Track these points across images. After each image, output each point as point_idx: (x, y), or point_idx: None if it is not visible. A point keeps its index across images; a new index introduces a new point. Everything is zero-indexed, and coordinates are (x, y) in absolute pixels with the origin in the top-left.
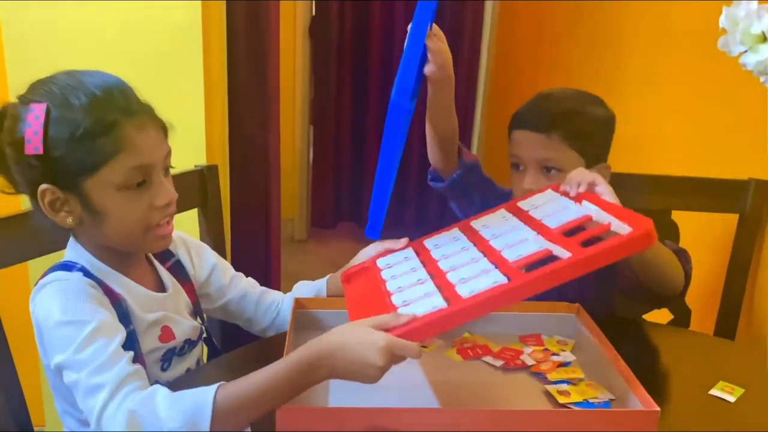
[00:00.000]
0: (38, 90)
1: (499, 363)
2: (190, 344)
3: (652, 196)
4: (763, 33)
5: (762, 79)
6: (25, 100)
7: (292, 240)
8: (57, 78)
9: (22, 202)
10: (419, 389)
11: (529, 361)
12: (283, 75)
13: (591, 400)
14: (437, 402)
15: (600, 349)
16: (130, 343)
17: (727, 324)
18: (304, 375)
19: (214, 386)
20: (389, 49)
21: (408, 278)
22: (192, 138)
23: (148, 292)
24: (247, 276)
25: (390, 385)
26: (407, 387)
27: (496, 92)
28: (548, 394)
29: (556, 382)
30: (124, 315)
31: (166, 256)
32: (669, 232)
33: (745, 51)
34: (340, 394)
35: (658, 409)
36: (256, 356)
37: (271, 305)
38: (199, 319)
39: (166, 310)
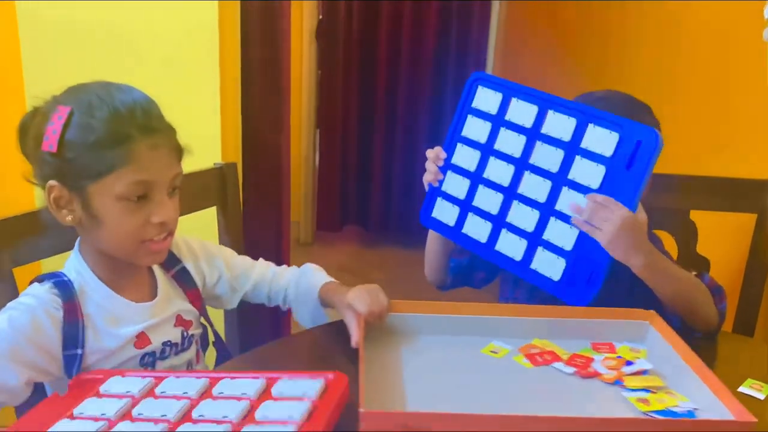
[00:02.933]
0: (71, 94)
1: (570, 370)
2: (172, 347)
3: (671, 196)
4: None
5: None
6: (56, 100)
7: (298, 243)
8: (91, 87)
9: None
10: (494, 395)
11: (602, 369)
12: (291, 79)
13: (673, 409)
14: (514, 408)
15: (677, 357)
16: (71, 365)
17: (745, 322)
18: None
19: None
20: (396, 51)
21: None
22: (207, 139)
23: (130, 303)
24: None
25: (464, 389)
26: (481, 392)
27: (508, 74)
28: (627, 403)
29: (634, 390)
30: (72, 337)
31: (171, 263)
32: (687, 231)
33: None
34: (418, 401)
35: (755, 419)
36: (272, 356)
37: (280, 290)
38: (203, 319)
39: (150, 318)
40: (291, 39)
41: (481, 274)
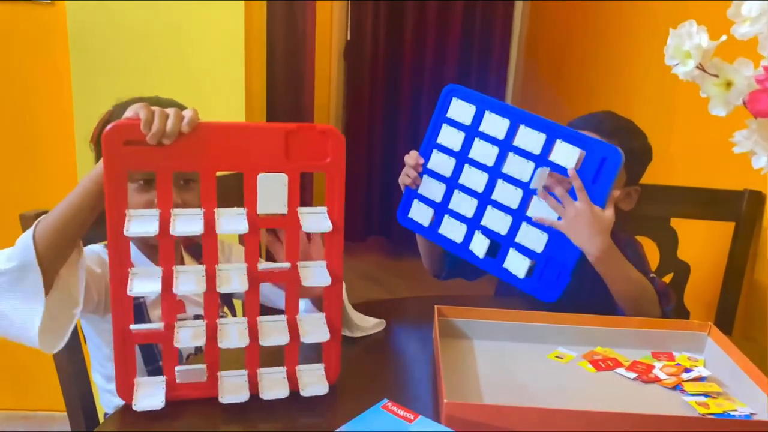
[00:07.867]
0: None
1: (632, 375)
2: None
3: (654, 205)
4: (690, 51)
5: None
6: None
7: None
8: (137, 98)
9: None
10: (561, 396)
11: (662, 375)
12: (319, 96)
13: (731, 413)
14: (583, 407)
15: (735, 366)
16: (140, 314)
17: (723, 324)
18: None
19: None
20: (420, 71)
21: None
22: None
23: None
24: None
25: (533, 390)
26: (549, 393)
27: (525, 94)
28: (687, 406)
29: (693, 395)
30: None
31: (200, 251)
32: (669, 238)
33: (677, 63)
34: (492, 397)
35: None
36: None
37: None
38: (226, 309)
39: None
40: (315, 61)
41: (473, 268)
